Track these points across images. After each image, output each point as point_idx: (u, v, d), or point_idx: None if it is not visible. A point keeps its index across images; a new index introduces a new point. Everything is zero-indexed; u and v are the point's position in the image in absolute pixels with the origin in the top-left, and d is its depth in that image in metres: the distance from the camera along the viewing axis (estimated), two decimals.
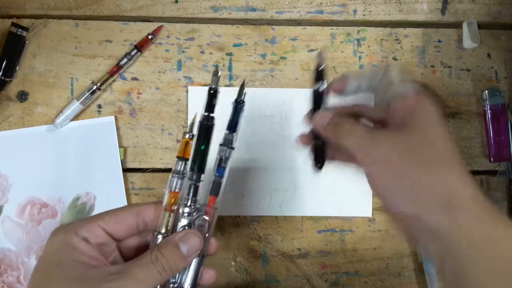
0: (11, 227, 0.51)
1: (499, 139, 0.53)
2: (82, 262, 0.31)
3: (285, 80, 0.53)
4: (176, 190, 0.34)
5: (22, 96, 0.52)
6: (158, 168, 0.53)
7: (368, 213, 0.53)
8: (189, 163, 0.34)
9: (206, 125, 0.34)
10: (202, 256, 0.34)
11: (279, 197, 0.53)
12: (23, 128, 0.52)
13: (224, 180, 0.35)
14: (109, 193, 0.52)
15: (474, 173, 0.55)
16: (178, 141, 0.53)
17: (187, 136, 0.34)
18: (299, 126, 0.53)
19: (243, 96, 0.35)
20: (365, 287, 0.54)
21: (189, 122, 0.35)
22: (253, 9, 0.53)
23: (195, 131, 0.34)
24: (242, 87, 0.36)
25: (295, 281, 0.54)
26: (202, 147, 0.34)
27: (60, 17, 0.52)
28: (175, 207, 0.34)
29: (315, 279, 0.54)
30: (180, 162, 0.34)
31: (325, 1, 0.53)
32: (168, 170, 0.53)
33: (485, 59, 0.54)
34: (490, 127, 0.53)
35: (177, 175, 0.34)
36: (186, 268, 0.34)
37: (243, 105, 0.35)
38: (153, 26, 0.52)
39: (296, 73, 0.53)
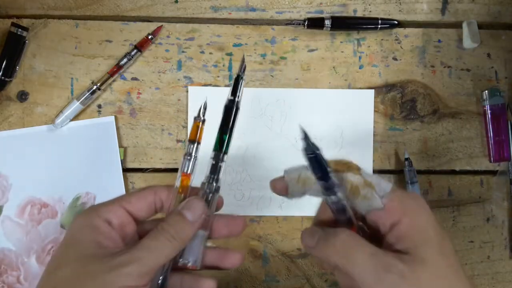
0: (11, 227, 0.51)
1: (499, 139, 0.53)
2: (100, 242, 0.31)
3: (285, 80, 0.53)
4: (188, 172, 0.35)
5: (22, 96, 0.52)
6: (158, 168, 0.53)
7: None
8: (213, 143, 0.35)
9: (231, 108, 0.35)
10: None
11: (279, 197, 0.53)
12: (23, 128, 0.52)
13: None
14: (109, 193, 0.52)
15: (474, 173, 0.55)
16: (178, 141, 0.53)
17: (197, 120, 0.35)
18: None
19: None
20: None
21: (198, 109, 0.36)
22: (253, 9, 0.53)
23: (202, 115, 0.35)
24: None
25: (295, 281, 0.54)
26: (225, 133, 0.35)
27: (60, 17, 0.52)
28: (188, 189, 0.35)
29: (315, 279, 0.54)
30: (191, 145, 0.35)
31: (325, 1, 0.53)
32: (168, 170, 0.53)
33: (485, 59, 0.54)
34: (490, 127, 0.53)
35: (188, 157, 0.35)
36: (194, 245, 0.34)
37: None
38: (153, 26, 0.52)
39: (296, 73, 0.53)
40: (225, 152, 0.35)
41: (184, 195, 0.35)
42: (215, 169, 0.35)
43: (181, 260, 0.34)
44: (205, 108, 0.35)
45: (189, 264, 0.34)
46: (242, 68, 0.35)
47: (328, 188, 0.31)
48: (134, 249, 0.31)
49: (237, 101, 0.35)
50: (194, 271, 0.35)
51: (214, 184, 0.35)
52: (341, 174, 0.31)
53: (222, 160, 0.35)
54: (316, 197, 0.33)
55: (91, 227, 0.32)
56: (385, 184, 0.31)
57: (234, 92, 0.35)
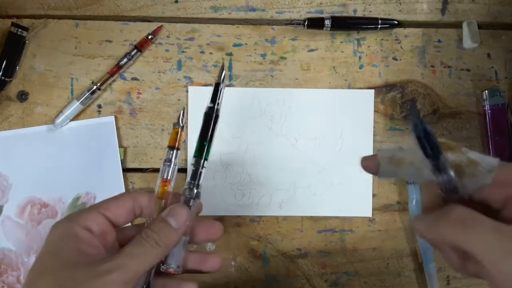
0: (11, 227, 0.51)
1: (499, 139, 0.53)
2: (82, 250, 0.31)
3: (285, 80, 0.53)
4: (168, 178, 0.36)
5: (22, 96, 0.52)
6: (158, 168, 0.53)
7: (368, 213, 0.53)
8: (193, 150, 0.36)
9: (211, 116, 0.36)
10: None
11: (279, 197, 0.53)
12: (23, 128, 0.52)
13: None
14: (109, 193, 0.51)
15: None
16: None
17: (176, 127, 0.36)
18: (299, 126, 0.53)
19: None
20: (365, 287, 0.54)
21: (181, 115, 0.37)
22: (253, 9, 0.53)
23: (182, 122, 0.37)
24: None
25: (295, 281, 0.54)
26: (207, 139, 0.36)
27: (60, 17, 0.52)
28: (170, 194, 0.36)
29: (315, 279, 0.54)
30: (171, 151, 0.36)
31: (325, 1, 0.53)
32: None
33: (485, 59, 0.54)
34: (490, 127, 0.53)
35: (168, 164, 0.36)
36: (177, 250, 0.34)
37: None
38: (153, 26, 0.52)
39: (296, 73, 0.53)
40: (206, 159, 0.36)
41: (165, 201, 0.35)
42: (195, 175, 0.36)
43: (164, 266, 0.34)
44: (183, 115, 0.36)
45: (172, 270, 0.34)
46: (222, 76, 0.36)
47: (439, 167, 0.29)
48: (118, 256, 0.31)
49: (217, 108, 0.36)
50: (176, 275, 0.35)
51: (195, 190, 0.35)
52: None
53: (203, 166, 0.36)
54: (407, 179, 0.33)
55: (72, 235, 0.32)
56: (490, 159, 0.29)
57: (214, 99, 0.36)
